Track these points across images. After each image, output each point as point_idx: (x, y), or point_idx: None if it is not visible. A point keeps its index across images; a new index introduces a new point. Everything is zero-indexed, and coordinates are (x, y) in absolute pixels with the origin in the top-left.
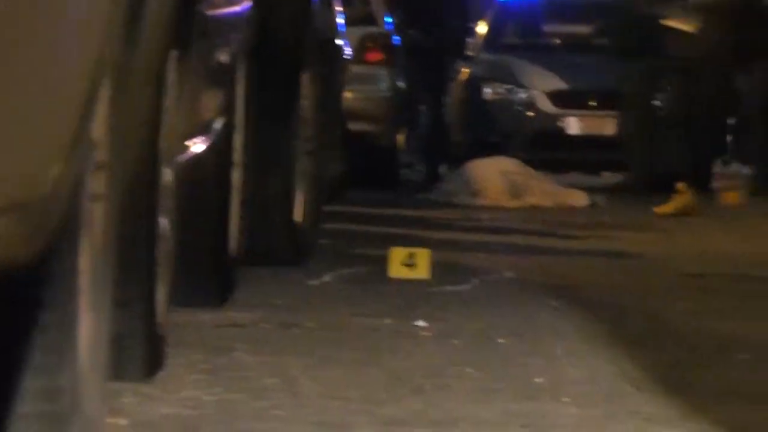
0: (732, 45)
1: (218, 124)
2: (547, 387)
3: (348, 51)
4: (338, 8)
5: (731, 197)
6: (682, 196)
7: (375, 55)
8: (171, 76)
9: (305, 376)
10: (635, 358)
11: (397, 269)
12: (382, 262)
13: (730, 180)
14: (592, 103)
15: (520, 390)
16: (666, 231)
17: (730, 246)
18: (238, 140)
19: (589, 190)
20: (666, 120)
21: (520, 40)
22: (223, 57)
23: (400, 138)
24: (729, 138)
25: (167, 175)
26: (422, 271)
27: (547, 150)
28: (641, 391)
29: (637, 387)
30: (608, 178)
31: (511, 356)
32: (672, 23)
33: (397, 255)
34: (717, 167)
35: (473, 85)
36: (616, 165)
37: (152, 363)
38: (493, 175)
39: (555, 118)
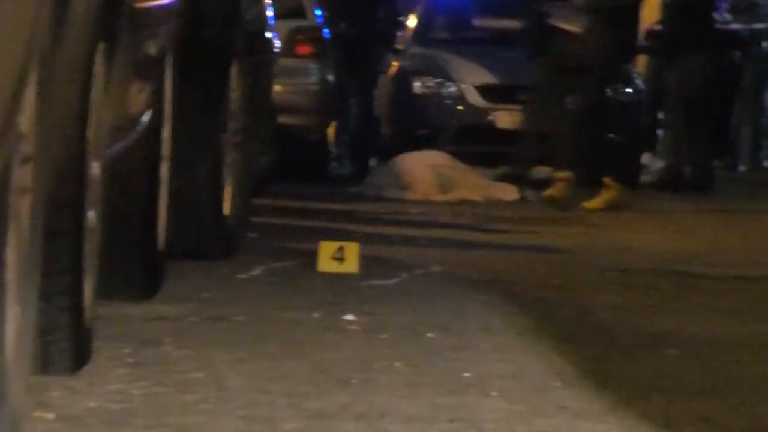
0: (617, 44)
1: (146, 117)
2: (475, 381)
3: (277, 44)
4: (267, 1)
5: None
6: (610, 191)
7: (305, 48)
8: (99, 69)
9: (232, 370)
10: (563, 353)
11: (326, 263)
12: (311, 255)
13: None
14: (522, 98)
15: (448, 384)
16: (593, 226)
17: (656, 241)
18: (166, 133)
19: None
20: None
21: (450, 34)
22: (151, 50)
23: (330, 131)
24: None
25: (95, 168)
26: (351, 265)
27: (477, 144)
28: (568, 386)
29: (565, 381)
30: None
31: (440, 350)
32: (559, 24)
33: (326, 249)
34: (648, 162)
35: (403, 78)
36: (546, 159)
37: (79, 356)
38: (423, 169)
39: (485, 112)
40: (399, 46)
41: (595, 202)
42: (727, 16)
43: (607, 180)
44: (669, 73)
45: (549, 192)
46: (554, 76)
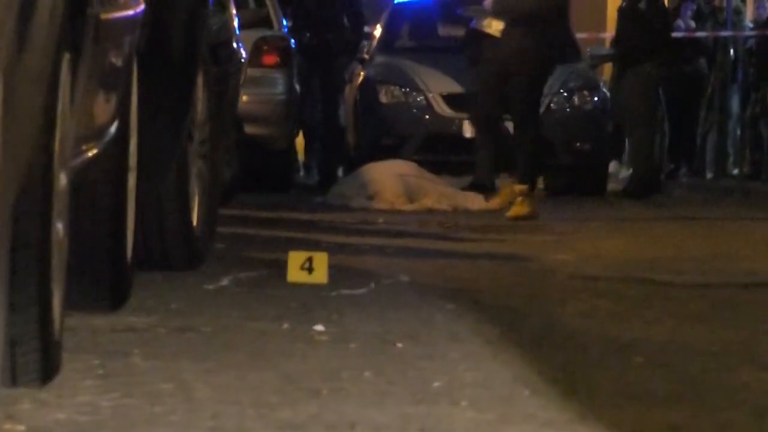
0: (537, 51)
1: (113, 128)
2: (443, 391)
3: (243, 54)
4: (233, 11)
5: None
6: (526, 198)
7: (271, 58)
8: (64, 79)
9: (200, 381)
10: (531, 362)
11: (295, 273)
12: (279, 265)
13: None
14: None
15: (416, 394)
16: (560, 234)
17: (623, 249)
18: (132, 144)
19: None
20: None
21: (415, 43)
22: (117, 60)
23: (297, 141)
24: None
25: (62, 179)
26: (320, 275)
27: (444, 153)
28: (537, 395)
29: (533, 390)
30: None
31: (408, 360)
32: (482, 28)
33: (295, 259)
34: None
35: (369, 87)
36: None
37: (48, 368)
38: (389, 178)
39: (451, 121)
40: (364, 55)
41: (514, 210)
42: (691, 24)
43: (519, 188)
44: (622, 81)
45: (493, 200)
46: (489, 82)
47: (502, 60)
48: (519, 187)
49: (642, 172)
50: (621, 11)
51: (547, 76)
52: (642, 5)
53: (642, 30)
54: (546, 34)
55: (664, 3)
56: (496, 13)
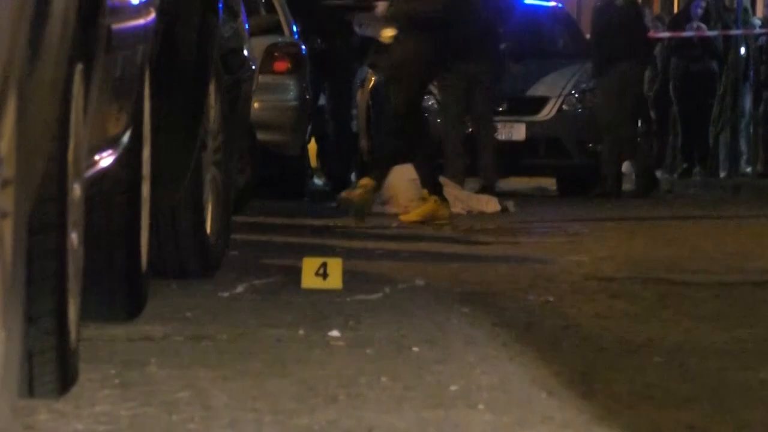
0: (430, 54)
1: (126, 137)
2: (460, 394)
3: (255, 60)
4: (244, 18)
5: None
6: (427, 204)
7: (282, 65)
8: (77, 90)
9: (217, 389)
10: (547, 364)
11: (309, 279)
12: (294, 272)
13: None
14: (500, 108)
15: (433, 398)
16: (574, 236)
17: (637, 249)
18: (146, 153)
19: (500, 195)
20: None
21: None
22: (129, 69)
23: (309, 147)
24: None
25: (76, 189)
26: (335, 280)
27: None
28: (554, 396)
29: (550, 392)
30: (518, 183)
31: (425, 364)
32: (369, 34)
33: (310, 265)
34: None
35: (380, 92)
36: (526, 169)
37: (65, 379)
38: (403, 183)
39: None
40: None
41: (411, 215)
42: (702, 24)
43: (424, 193)
44: (600, 81)
45: (345, 194)
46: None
47: (393, 66)
48: (425, 193)
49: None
50: (597, 10)
51: (432, 80)
52: (619, 2)
53: (619, 28)
54: (437, 39)
55: (639, 1)
56: (388, 20)
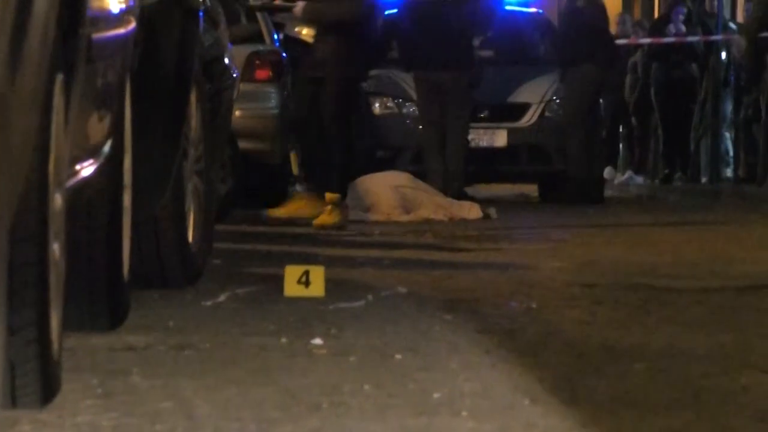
0: (348, 56)
1: (107, 147)
2: (444, 401)
3: (236, 69)
4: (225, 26)
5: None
6: (294, 201)
7: (263, 73)
8: (57, 100)
9: (200, 398)
10: (530, 370)
11: (292, 288)
12: (276, 280)
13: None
14: (482, 115)
15: (417, 405)
16: (556, 242)
17: (619, 255)
18: (127, 162)
19: (482, 201)
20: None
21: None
22: (110, 79)
23: (292, 155)
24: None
25: (57, 199)
26: (317, 288)
27: None
28: (537, 403)
29: (533, 399)
30: (500, 189)
31: (408, 372)
32: (293, 34)
33: (292, 273)
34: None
35: (362, 99)
36: (507, 176)
37: (48, 389)
38: (385, 190)
39: None
40: None
41: (278, 211)
42: (683, 28)
43: (328, 197)
44: (563, 83)
45: (318, 222)
46: (301, 88)
47: (314, 66)
48: (330, 196)
49: (579, 177)
50: (562, 13)
51: (358, 83)
52: (580, 3)
53: (581, 30)
54: (352, 40)
55: (603, 3)
56: (305, 21)
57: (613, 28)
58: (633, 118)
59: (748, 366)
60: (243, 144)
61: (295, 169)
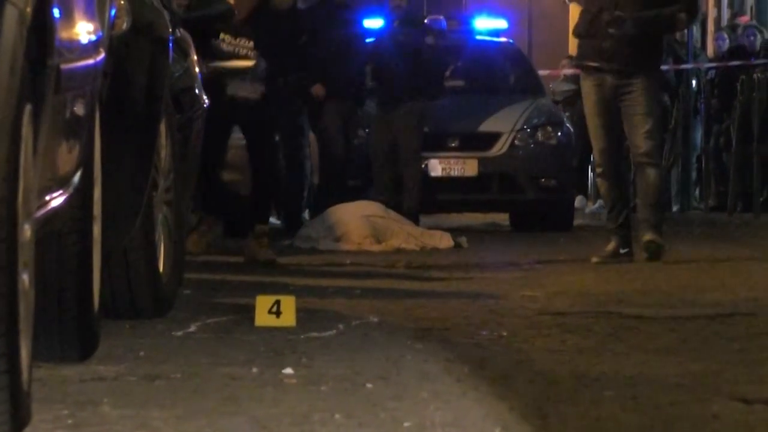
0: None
1: (77, 177)
2: (414, 430)
3: (206, 99)
4: (195, 57)
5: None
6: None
7: None
8: (26, 130)
9: (170, 428)
10: (501, 398)
11: (263, 317)
12: (247, 310)
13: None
14: (453, 145)
15: None
16: (527, 270)
17: (590, 284)
18: (97, 193)
19: (453, 231)
20: None
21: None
22: (79, 109)
23: None
24: None
25: (26, 230)
26: (288, 318)
27: None
28: (509, 431)
29: (504, 427)
30: (471, 218)
31: (379, 401)
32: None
33: (263, 303)
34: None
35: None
36: (479, 205)
37: (18, 419)
38: (356, 220)
39: None
40: None
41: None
42: None
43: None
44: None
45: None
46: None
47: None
48: (260, 227)
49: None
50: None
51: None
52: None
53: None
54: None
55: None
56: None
57: None
58: None
59: (719, 394)
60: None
61: None
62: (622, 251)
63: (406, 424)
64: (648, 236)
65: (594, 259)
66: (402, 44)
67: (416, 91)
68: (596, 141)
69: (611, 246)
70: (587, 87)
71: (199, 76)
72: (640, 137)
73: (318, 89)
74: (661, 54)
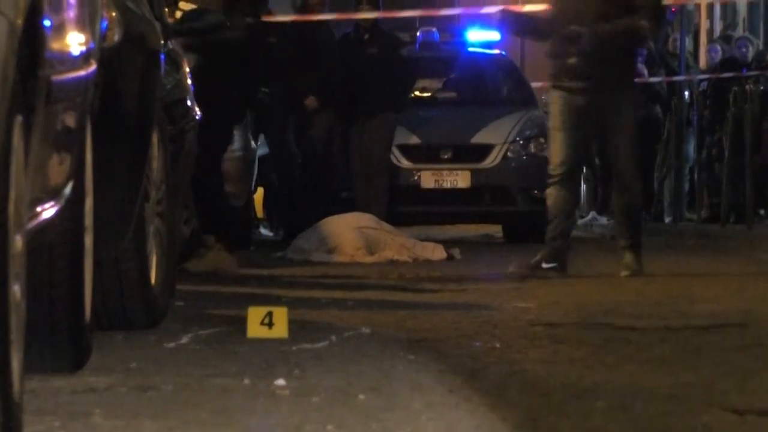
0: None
1: (68, 189)
2: None
3: (198, 111)
4: (187, 69)
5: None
6: (212, 252)
7: None
8: (17, 141)
9: None
10: (494, 409)
11: (255, 329)
12: (239, 321)
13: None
14: (446, 157)
15: None
16: (521, 283)
17: (582, 295)
18: (88, 204)
19: (446, 242)
20: None
21: None
22: (70, 120)
23: (255, 197)
24: None
25: (18, 241)
26: (280, 329)
27: (403, 204)
28: None
29: None
30: (464, 230)
31: (371, 412)
32: None
33: (255, 314)
34: None
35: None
36: (471, 217)
37: (8, 431)
38: (349, 232)
39: (409, 172)
40: None
41: (198, 264)
42: (644, 71)
43: (208, 239)
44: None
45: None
46: None
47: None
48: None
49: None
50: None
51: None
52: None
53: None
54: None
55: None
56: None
57: None
58: (596, 158)
59: (710, 404)
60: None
61: (259, 212)
62: (545, 265)
63: None
64: (626, 258)
65: (510, 269)
66: (370, 56)
67: (385, 103)
68: (555, 154)
69: (536, 258)
70: (554, 99)
71: (191, 88)
72: (614, 154)
73: (311, 101)
74: (633, 69)
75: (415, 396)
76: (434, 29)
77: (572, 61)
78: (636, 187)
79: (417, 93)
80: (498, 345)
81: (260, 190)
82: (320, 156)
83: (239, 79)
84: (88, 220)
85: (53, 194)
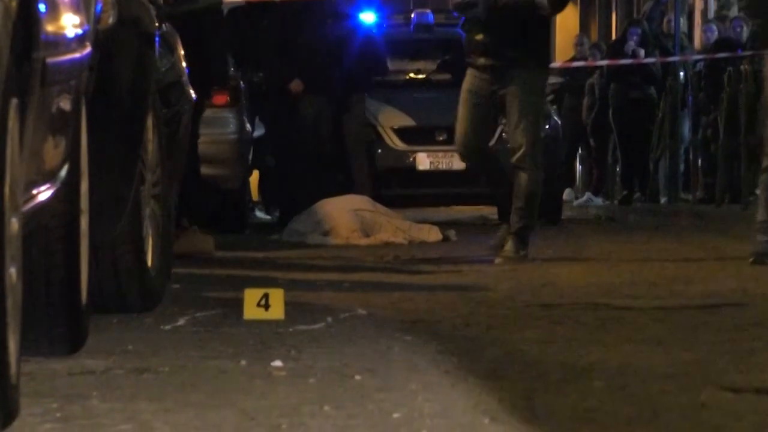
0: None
1: (64, 171)
2: (403, 422)
3: (193, 94)
4: (182, 52)
5: None
6: (187, 234)
7: (221, 98)
8: (12, 125)
9: (159, 421)
10: (490, 390)
11: (251, 311)
12: (235, 304)
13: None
14: (441, 138)
15: (376, 426)
16: (516, 263)
17: (578, 276)
18: (84, 187)
19: (442, 224)
20: None
21: None
22: (65, 103)
23: (250, 180)
24: None
25: (13, 224)
26: (276, 311)
27: (398, 186)
28: (497, 422)
29: (493, 418)
30: (460, 212)
31: (367, 392)
32: None
33: (252, 296)
34: (568, 197)
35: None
36: (467, 199)
37: (5, 414)
38: (344, 214)
39: (404, 154)
40: None
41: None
42: (640, 51)
43: (183, 221)
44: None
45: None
46: None
47: None
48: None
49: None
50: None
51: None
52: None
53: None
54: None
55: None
56: None
57: (570, 50)
58: (591, 139)
59: (707, 383)
60: (202, 169)
61: (254, 195)
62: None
63: (394, 416)
64: (507, 247)
65: (496, 261)
66: (326, 37)
67: (351, 84)
68: (458, 126)
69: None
70: (467, 76)
71: (186, 70)
72: (512, 138)
73: (296, 85)
74: (541, 50)
75: (412, 377)
76: (429, 11)
77: (479, 37)
78: (536, 174)
79: (412, 75)
80: (494, 326)
81: (255, 173)
82: (311, 138)
83: (205, 52)
84: (84, 203)
85: (49, 177)
